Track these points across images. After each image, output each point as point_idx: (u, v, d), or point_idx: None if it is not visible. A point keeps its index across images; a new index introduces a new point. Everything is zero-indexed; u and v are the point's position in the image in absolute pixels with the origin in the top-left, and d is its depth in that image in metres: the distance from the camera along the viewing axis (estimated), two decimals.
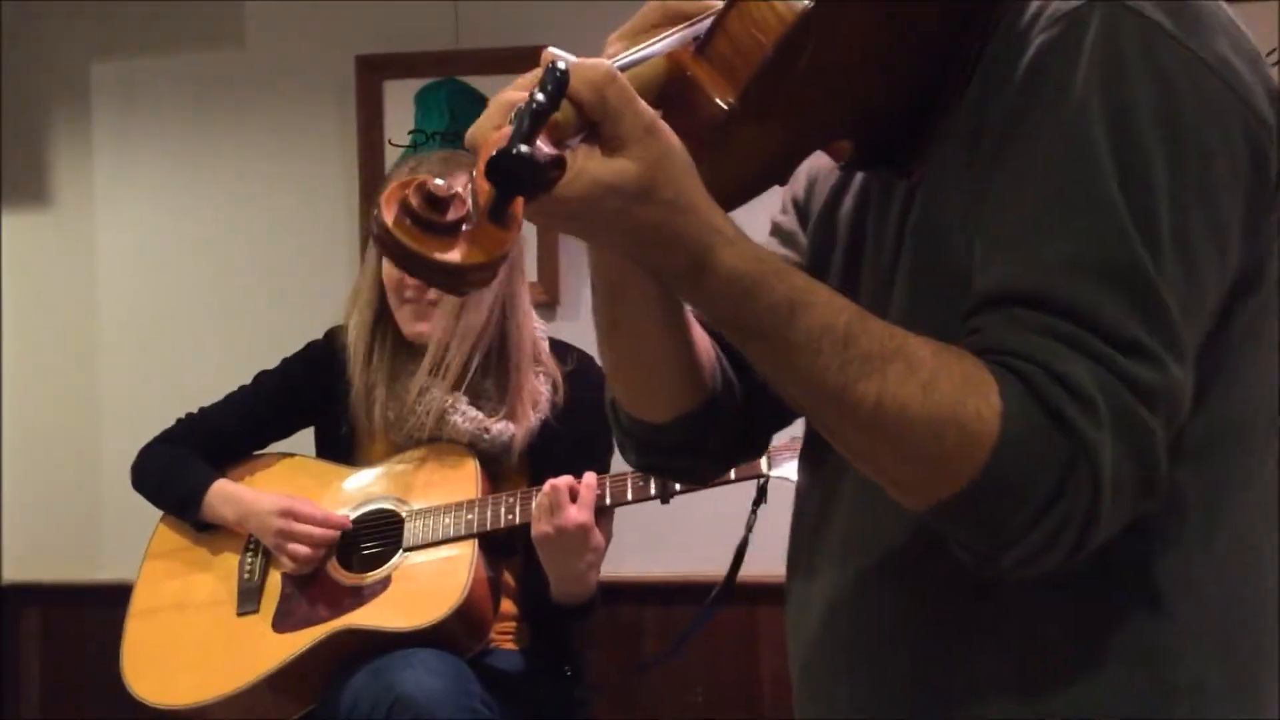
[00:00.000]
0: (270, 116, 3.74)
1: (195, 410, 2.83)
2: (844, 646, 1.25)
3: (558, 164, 0.94)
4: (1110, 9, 1.05)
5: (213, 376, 2.97)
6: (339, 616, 2.51)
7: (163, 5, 3.80)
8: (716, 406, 1.31)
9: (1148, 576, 1.11)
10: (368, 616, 2.48)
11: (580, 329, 3.18)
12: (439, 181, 0.93)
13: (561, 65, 0.95)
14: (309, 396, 2.78)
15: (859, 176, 1.29)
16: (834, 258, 1.31)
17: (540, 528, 2.45)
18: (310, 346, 2.83)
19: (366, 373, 2.68)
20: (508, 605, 2.65)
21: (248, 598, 2.60)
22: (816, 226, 1.35)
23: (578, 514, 2.43)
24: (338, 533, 2.61)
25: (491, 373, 2.66)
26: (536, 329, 2.73)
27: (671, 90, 1.07)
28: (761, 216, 1.48)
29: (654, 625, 3.53)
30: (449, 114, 3.56)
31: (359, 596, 2.53)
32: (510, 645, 2.64)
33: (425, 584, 2.51)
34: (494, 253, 0.92)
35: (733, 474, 2.40)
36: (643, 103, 0.99)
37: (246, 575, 2.64)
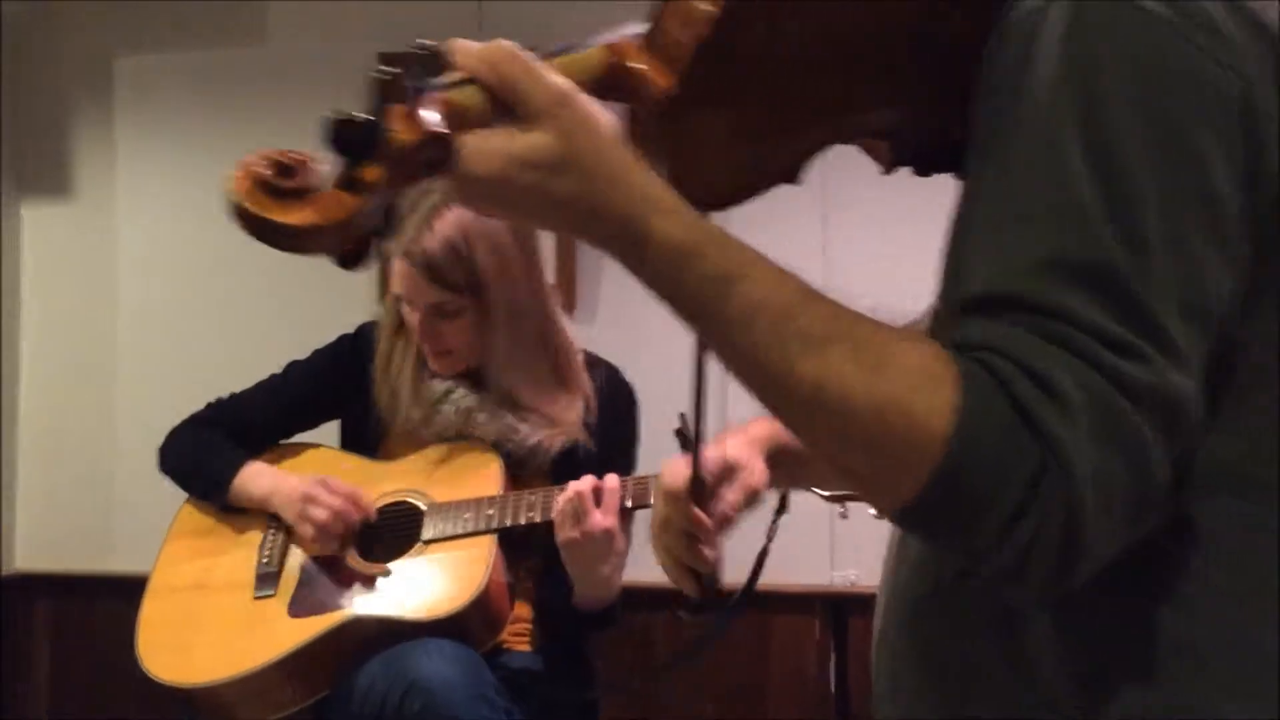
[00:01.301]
0: (291, 113, 3.75)
1: (225, 396, 2.83)
2: (886, 656, 1.21)
3: (434, 141, 0.94)
4: None
5: (229, 370, 2.96)
6: (354, 604, 2.50)
7: (186, 2, 3.82)
8: None
9: (1177, 625, 1.02)
10: (383, 605, 2.48)
11: (596, 332, 3.19)
12: (290, 150, 0.95)
13: (428, 42, 0.98)
14: (338, 389, 2.78)
15: None
16: None
17: (566, 534, 2.43)
18: (342, 339, 2.82)
19: (388, 379, 2.69)
20: (523, 607, 2.65)
21: (265, 582, 2.60)
22: None
23: (603, 519, 2.41)
24: (360, 515, 2.61)
25: (525, 387, 2.66)
26: (575, 345, 2.73)
27: (617, 81, 1.06)
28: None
29: (665, 632, 3.52)
30: None
31: (376, 586, 2.52)
32: (524, 646, 2.63)
33: (443, 576, 2.50)
34: (331, 216, 0.93)
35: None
36: (554, 76, 0.98)
37: (265, 560, 2.63)
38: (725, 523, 1.53)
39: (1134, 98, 0.96)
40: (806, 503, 2.52)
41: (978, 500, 0.92)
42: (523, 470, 2.66)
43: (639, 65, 1.06)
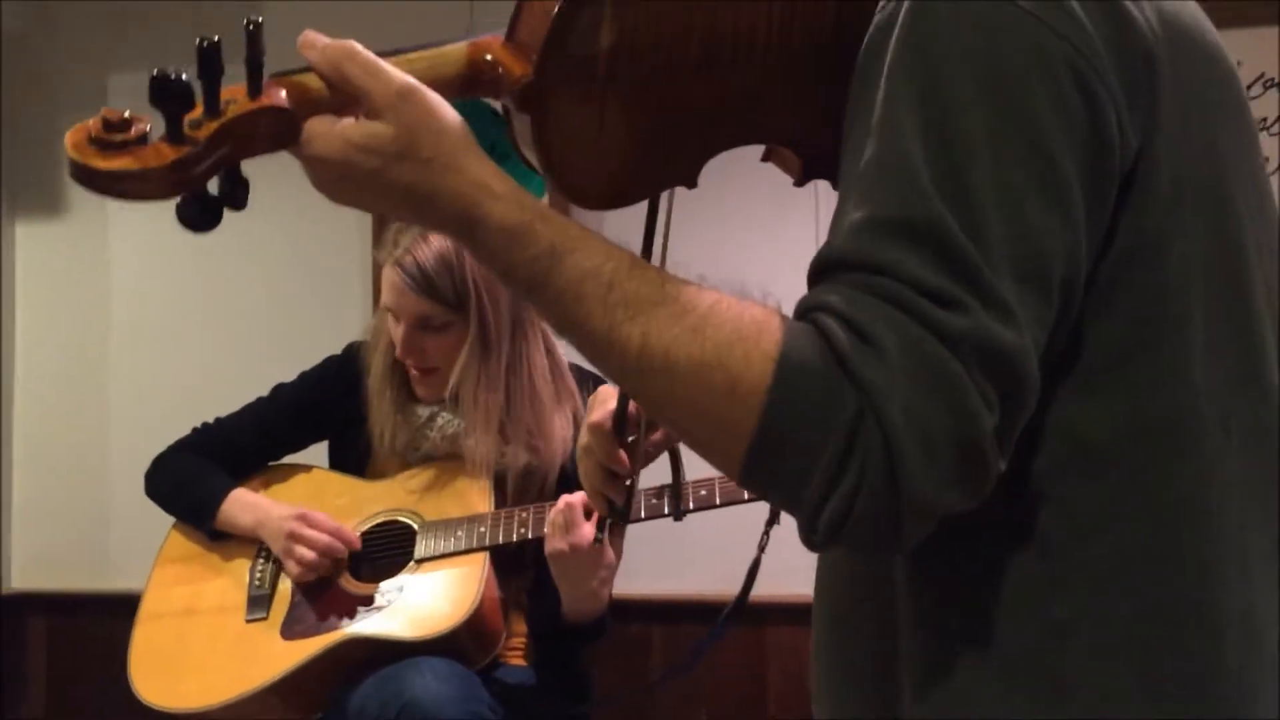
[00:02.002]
0: None
1: (211, 420, 2.83)
2: (815, 654, 1.23)
3: (271, 112, 1.04)
4: None
5: (222, 387, 2.96)
6: (348, 625, 2.50)
7: (179, 16, 3.81)
8: None
9: (1042, 599, 1.03)
10: (376, 626, 2.48)
11: None
12: (117, 109, 1.02)
13: (256, 18, 1.06)
14: (325, 412, 2.78)
15: None
16: None
17: (555, 545, 2.43)
18: (328, 362, 2.82)
19: (375, 404, 2.68)
20: (519, 622, 2.65)
21: (257, 605, 2.60)
22: None
23: (592, 531, 2.41)
24: (345, 548, 2.60)
25: (512, 423, 2.63)
26: (564, 363, 2.71)
27: (478, 74, 1.13)
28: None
29: (661, 643, 3.51)
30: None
31: (369, 606, 2.52)
32: (519, 661, 2.64)
33: (436, 596, 2.50)
34: (149, 162, 1.00)
35: (746, 494, 2.39)
36: (393, 71, 1.05)
37: (257, 582, 2.63)
38: (644, 459, 1.57)
39: (968, 65, 0.98)
40: None
41: (800, 451, 0.94)
42: (523, 496, 2.65)
43: (497, 56, 1.12)
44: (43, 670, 3.82)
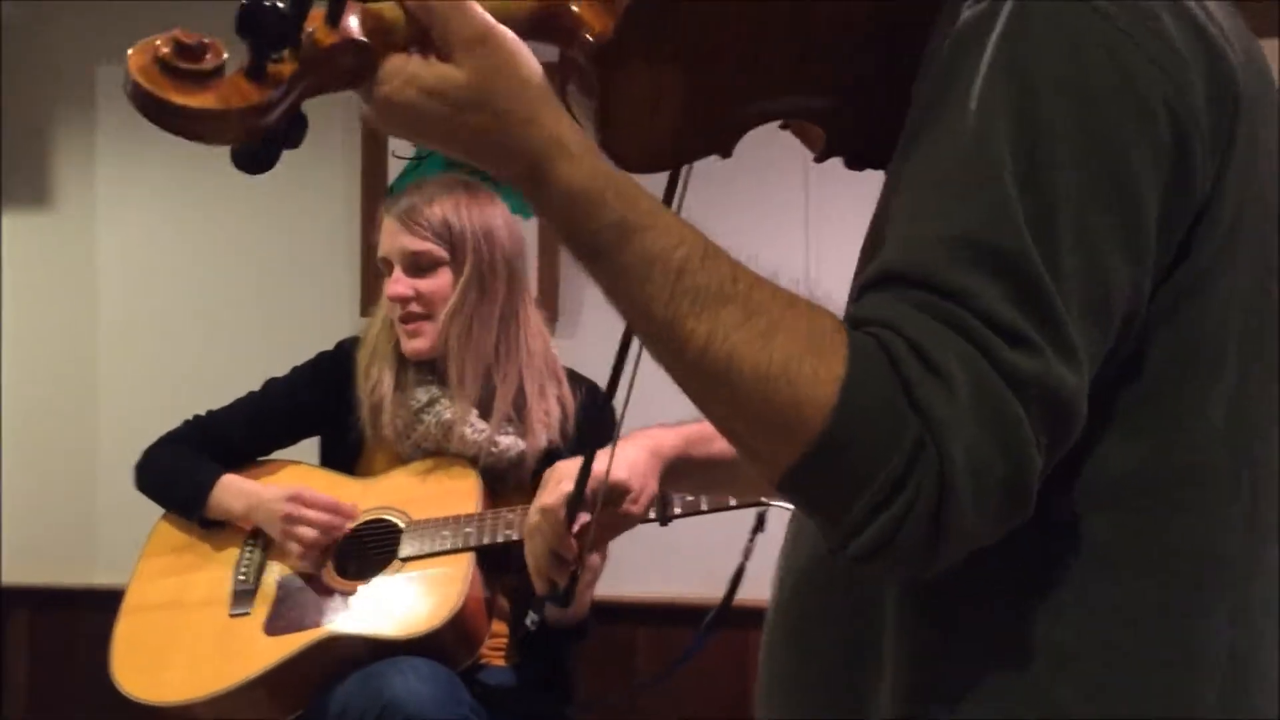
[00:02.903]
0: None
1: (203, 413, 2.82)
2: (766, 657, 1.21)
3: (351, 48, 0.94)
4: None
5: (211, 381, 2.96)
6: (331, 622, 2.50)
7: (169, 8, 3.79)
8: None
9: (1046, 624, 1.02)
10: (360, 624, 2.48)
11: (577, 345, 3.17)
12: (193, 32, 0.92)
13: None
14: (316, 407, 2.78)
15: None
16: None
17: None
18: (320, 357, 2.82)
19: (370, 383, 2.67)
20: (499, 623, 2.64)
21: (241, 600, 2.59)
22: None
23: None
24: (345, 522, 2.60)
25: (502, 389, 2.64)
26: (554, 352, 2.74)
27: (555, 20, 1.05)
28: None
29: (646, 645, 3.51)
30: None
31: (353, 603, 2.52)
32: (500, 661, 2.64)
33: (420, 594, 2.50)
34: (231, 102, 0.91)
35: (733, 501, 2.39)
36: (478, 11, 0.98)
37: (242, 577, 2.63)
38: (594, 545, 1.56)
39: (1068, 97, 0.96)
40: (785, 521, 2.51)
41: (855, 473, 0.92)
42: (503, 483, 2.66)
43: (579, 7, 1.04)
44: (25, 664, 3.80)
